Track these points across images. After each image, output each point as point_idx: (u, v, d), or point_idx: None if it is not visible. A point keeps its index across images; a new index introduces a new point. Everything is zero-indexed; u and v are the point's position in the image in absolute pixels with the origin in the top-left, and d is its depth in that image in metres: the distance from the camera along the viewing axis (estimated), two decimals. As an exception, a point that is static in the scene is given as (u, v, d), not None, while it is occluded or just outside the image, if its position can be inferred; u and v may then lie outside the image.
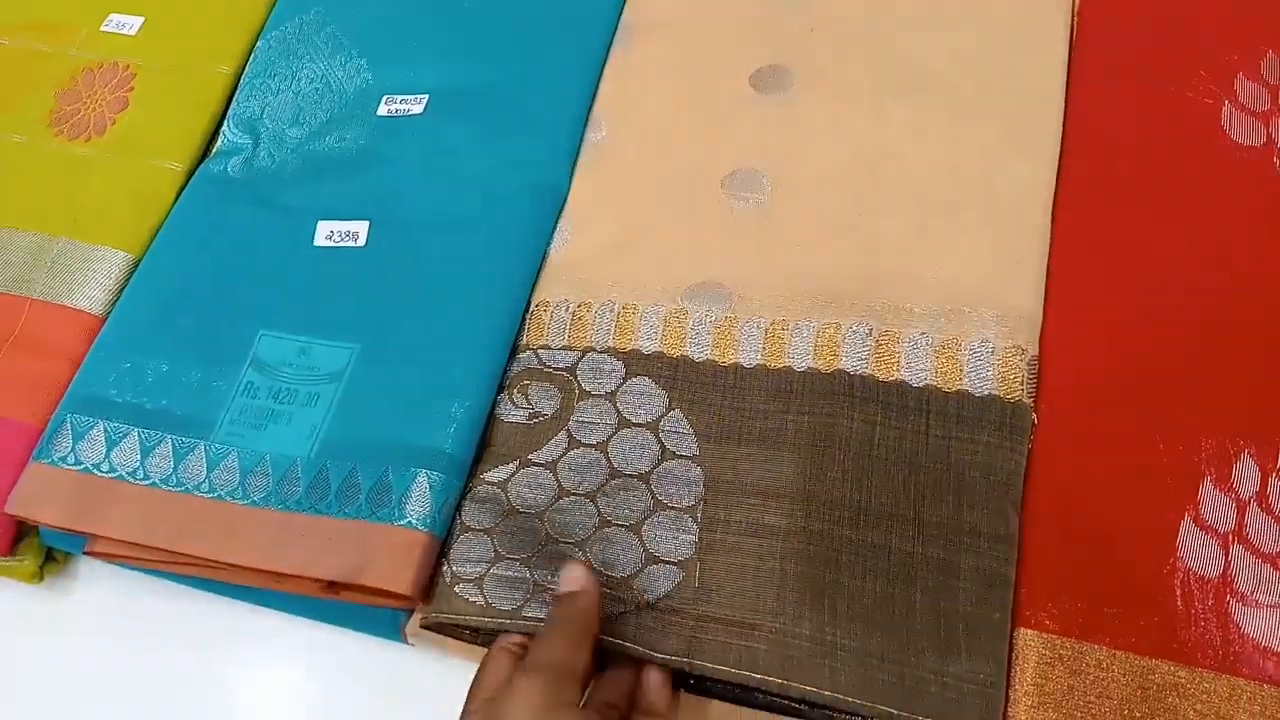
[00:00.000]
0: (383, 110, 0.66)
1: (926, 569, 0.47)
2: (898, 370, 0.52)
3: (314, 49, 0.70)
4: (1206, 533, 0.47)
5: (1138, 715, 0.44)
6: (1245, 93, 0.57)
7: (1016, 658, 0.46)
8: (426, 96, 0.66)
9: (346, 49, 0.69)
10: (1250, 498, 0.48)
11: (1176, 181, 0.56)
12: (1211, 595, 0.46)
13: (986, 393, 0.51)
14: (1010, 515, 0.48)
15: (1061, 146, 0.57)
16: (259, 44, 0.71)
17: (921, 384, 0.51)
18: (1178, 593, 0.46)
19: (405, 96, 0.66)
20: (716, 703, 0.49)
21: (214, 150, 0.68)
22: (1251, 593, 0.46)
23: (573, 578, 0.47)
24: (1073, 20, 0.62)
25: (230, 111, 0.69)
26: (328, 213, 0.62)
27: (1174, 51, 0.59)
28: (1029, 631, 0.46)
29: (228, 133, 0.68)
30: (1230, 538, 0.47)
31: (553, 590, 0.49)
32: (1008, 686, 0.46)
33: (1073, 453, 0.50)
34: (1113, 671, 0.45)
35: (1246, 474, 0.48)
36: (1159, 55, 0.59)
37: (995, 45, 0.61)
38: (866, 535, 0.48)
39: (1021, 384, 0.51)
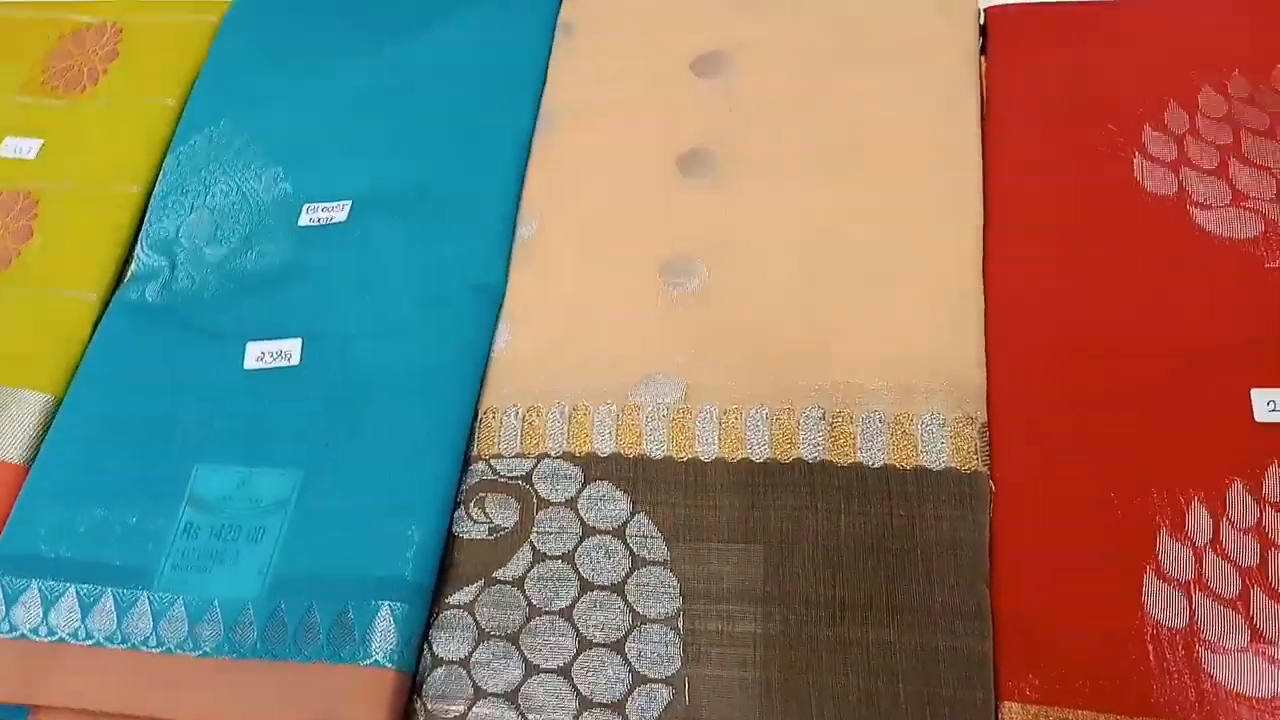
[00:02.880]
0: (304, 220, 0.65)
1: (905, 658, 0.47)
2: (854, 453, 0.52)
3: (226, 161, 0.68)
4: (1169, 584, 0.48)
5: (1125, 774, 0.45)
6: (1153, 144, 0.59)
7: None
8: (349, 202, 0.65)
9: (261, 159, 0.68)
10: (1206, 544, 0.49)
11: (1099, 236, 0.57)
12: (1181, 646, 0.47)
13: (943, 466, 0.51)
14: (980, 590, 0.48)
15: (987, 211, 0.58)
16: (167, 160, 0.69)
17: (879, 465, 0.52)
18: (1149, 648, 0.47)
19: (327, 204, 0.65)
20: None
21: (128, 276, 0.65)
22: (1219, 639, 0.47)
23: None
24: (981, 83, 0.63)
25: (143, 233, 0.67)
26: (256, 333, 0.61)
27: (1081, 106, 0.61)
28: (1013, 704, 0.47)
29: (142, 256, 0.65)
30: (1192, 586, 0.48)
31: None
32: None
33: (1031, 517, 0.51)
34: None
35: (1199, 521, 0.49)
36: (1067, 111, 0.61)
37: (910, 115, 0.62)
38: (843, 631, 0.48)
39: (975, 453, 0.51)
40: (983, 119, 0.62)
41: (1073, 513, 0.50)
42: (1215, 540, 0.49)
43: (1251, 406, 0.51)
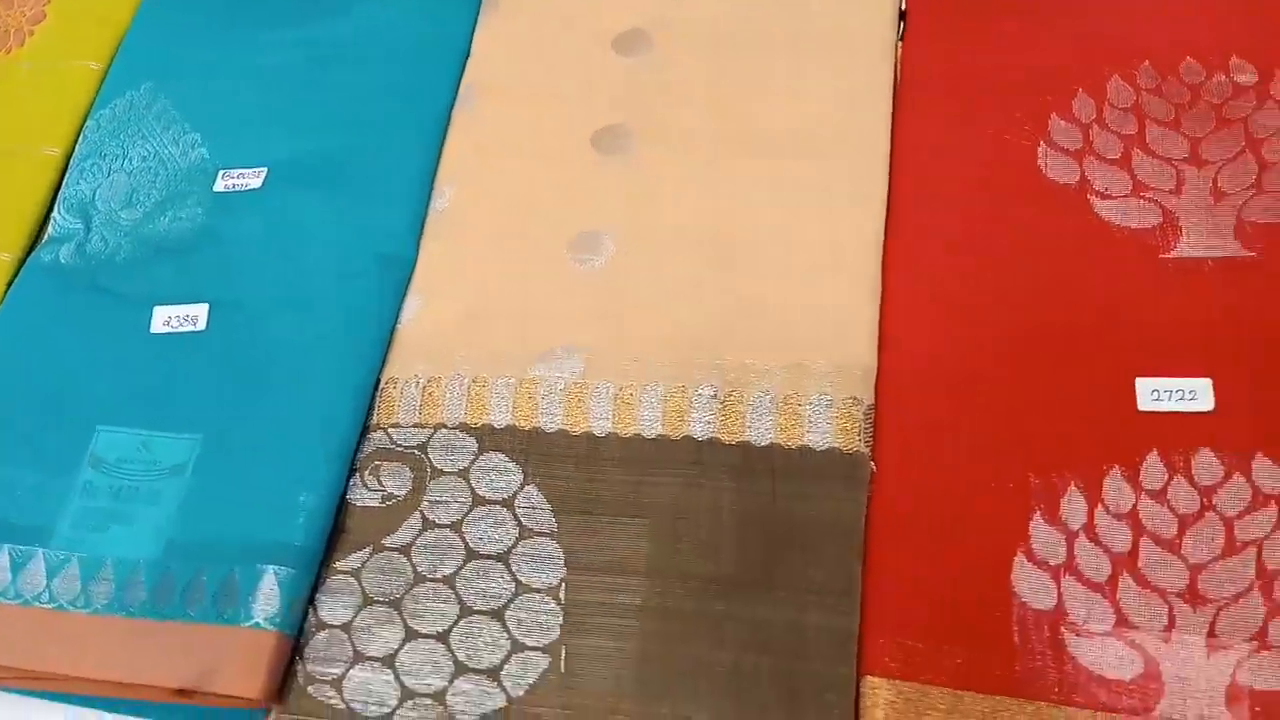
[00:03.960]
0: (220, 186, 0.65)
1: (776, 633, 0.48)
2: (743, 431, 0.53)
3: (146, 126, 0.68)
4: (1039, 567, 0.49)
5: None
6: (1058, 132, 0.60)
7: (865, 704, 0.47)
8: (265, 170, 0.65)
9: (179, 124, 0.68)
10: (1080, 529, 0.50)
11: (999, 223, 0.58)
12: (1047, 628, 0.48)
13: (826, 446, 0.52)
14: (853, 567, 0.49)
15: (892, 197, 0.59)
16: (88, 123, 0.69)
17: (766, 443, 0.52)
18: (1014, 629, 0.48)
19: (243, 170, 0.65)
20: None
21: (45, 238, 0.65)
22: (1084, 622, 0.48)
23: None
24: (896, 72, 0.64)
25: (60, 195, 0.67)
26: (165, 297, 0.61)
27: (992, 93, 0.62)
28: (875, 679, 0.48)
29: (58, 218, 0.66)
30: (1061, 570, 0.49)
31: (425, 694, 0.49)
32: None
33: (910, 497, 0.51)
34: (958, 712, 0.46)
35: (1074, 507, 0.50)
36: (978, 97, 0.61)
37: (823, 102, 0.62)
38: (719, 605, 0.49)
39: (859, 434, 0.52)
40: (896, 102, 0.62)
41: (950, 494, 0.51)
42: (1089, 526, 0.50)
43: (1135, 395, 0.52)
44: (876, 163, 0.60)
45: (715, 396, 0.54)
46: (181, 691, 0.50)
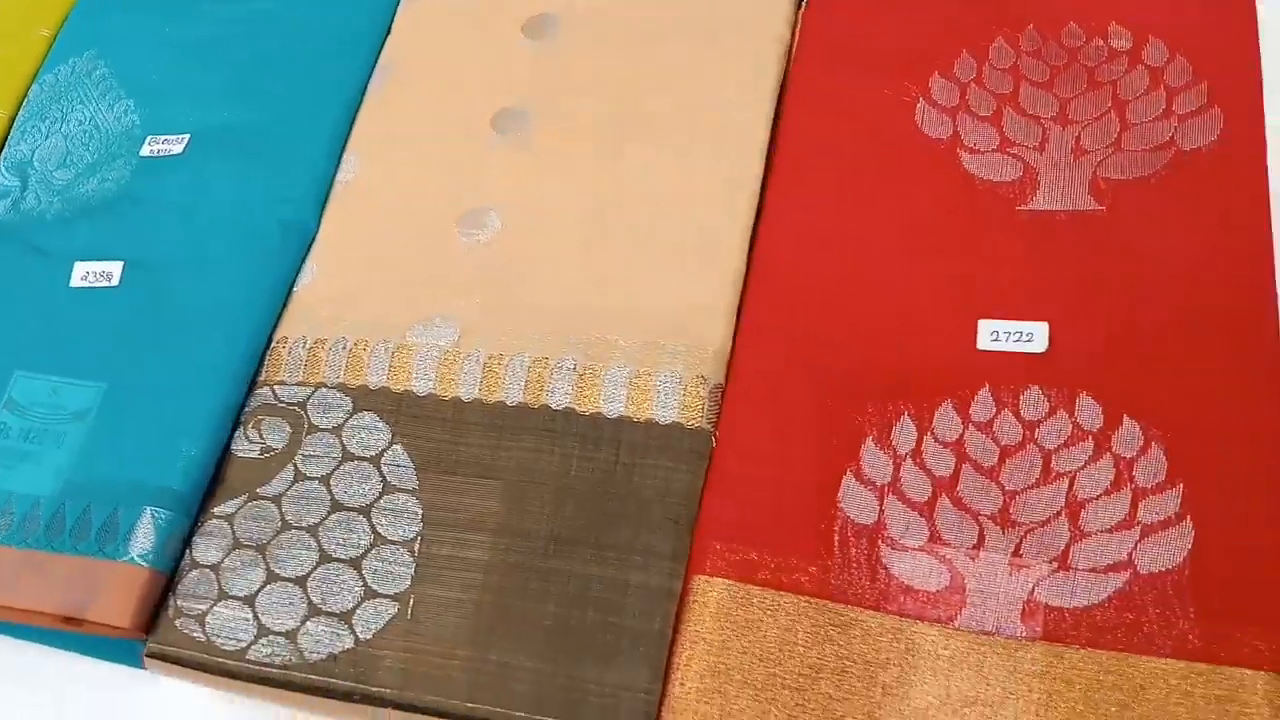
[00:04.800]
0: (146, 151, 0.69)
1: (600, 589, 0.52)
2: (597, 403, 0.56)
3: (85, 91, 0.72)
4: (865, 486, 0.53)
5: (800, 650, 0.49)
6: (938, 90, 0.62)
7: (694, 600, 0.51)
8: (188, 136, 0.69)
9: (116, 90, 0.72)
10: (907, 454, 0.53)
11: (872, 176, 0.61)
12: (866, 541, 0.51)
13: (670, 421, 0.55)
14: (681, 534, 0.52)
15: (775, 154, 0.62)
16: (33, 87, 0.73)
17: (616, 416, 0.56)
18: (836, 539, 0.51)
19: (168, 136, 0.69)
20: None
21: (-15, 194, 0.70)
22: (900, 537, 0.51)
23: None
24: (794, 42, 0.66)
25: (3, 155, 0.71)
26: (87, 254, 0.65)
27: (883, 53, 0.64)
28: (706, 577, 0.51)
29: (-1, 176, 0.70)
30: (885, 490, 0.52)
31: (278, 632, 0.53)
32: (680, 630, 0.50)
33: (755, 430, 0.55)
34: (779, 610, 0.50)
35: (905, 435, 0.53)
36: (869, 56, 0.64)
37: (711, 91, 0.64)
38: (553, 563, 0.53)
39: (702, 412, 0.55)
40: (791, 69, 0.65)
41: (792, 422, 0.55)
42: (916, 451, 0.53)
43: (977, 335, 0.55)
44: (753, 152, 0.62)
45: (574, 369, 0.57)
46: (69, 620, 0.55)
